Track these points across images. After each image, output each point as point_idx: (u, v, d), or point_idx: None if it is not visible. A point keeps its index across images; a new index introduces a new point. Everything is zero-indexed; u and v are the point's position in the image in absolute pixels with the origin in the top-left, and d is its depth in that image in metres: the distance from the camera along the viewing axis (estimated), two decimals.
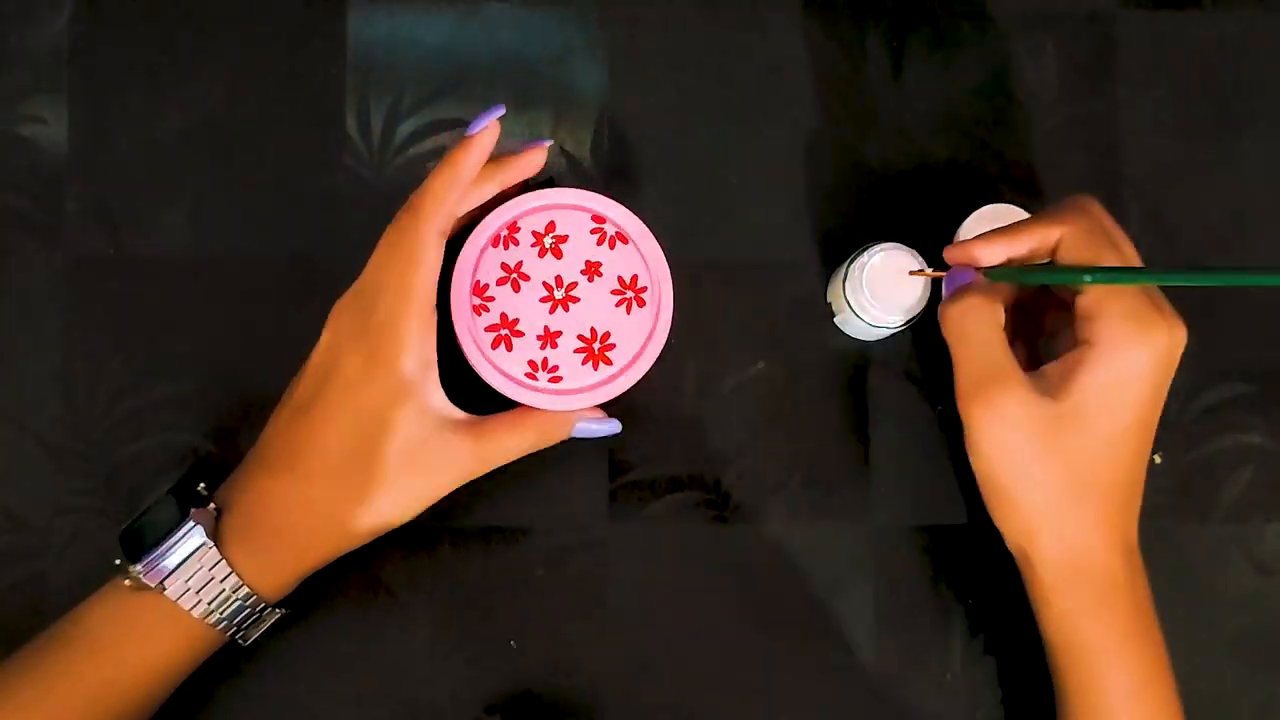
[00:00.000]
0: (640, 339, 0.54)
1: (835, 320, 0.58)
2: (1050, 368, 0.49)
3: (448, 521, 0.57)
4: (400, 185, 0.52)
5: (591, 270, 0.54)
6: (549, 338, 0.54)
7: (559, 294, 0.54)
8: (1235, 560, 0.58)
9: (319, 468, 0.50)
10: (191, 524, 0.49)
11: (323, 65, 0.59)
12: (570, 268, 0.54)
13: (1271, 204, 0.59)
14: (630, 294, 0.54)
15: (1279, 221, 0.59)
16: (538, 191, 0.54)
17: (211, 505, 0.51)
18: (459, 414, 0.52)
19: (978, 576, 0.58)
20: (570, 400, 0.53)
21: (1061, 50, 0.60)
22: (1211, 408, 0.58)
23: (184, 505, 0.50)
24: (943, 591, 0.57)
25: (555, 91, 0.59)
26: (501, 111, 0.51)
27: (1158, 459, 0.58)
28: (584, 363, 0.53)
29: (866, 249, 0.54)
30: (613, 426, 0.54)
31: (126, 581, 0.50)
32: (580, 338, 0.54)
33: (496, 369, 0.53)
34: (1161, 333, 0.47)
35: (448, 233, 0.51)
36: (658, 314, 0.54)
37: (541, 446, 0.53)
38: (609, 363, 0.54)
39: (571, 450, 0.55)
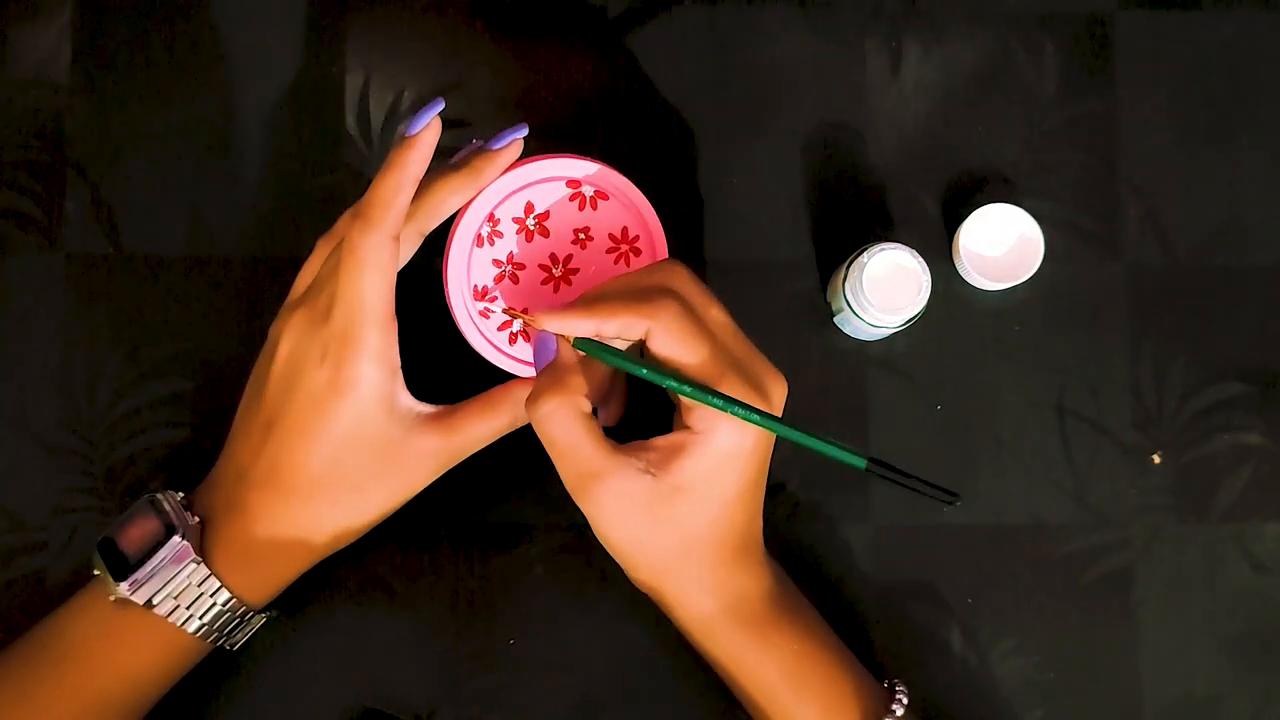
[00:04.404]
0: None
1: (835, 320, 0.58)
2: (659, 442, 0.49)
3: (448, 521, 0.57)
4: None
5: (582, 237, 0.54)
6: None
7: (558, 271, 0.54)
8: (1233, 560, 0.58)
9: (296, 484, 0.50)
10: (178, 541, 0.49)
11: (323, 65, 0.59)
12: (560, 241, 0.54)
13: (1269, 204, 0.59)
14: (625, 247, 0.54)
15: (1276, 221, 0.60)
16: (505, 176, 0.52)
17: (195, 519, 0.50)
18: (428, 409, 0.51)
19: (977, 576, 0.58)
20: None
21: (1061, 50, 0.60)
22: (1210, 408, 0.58)
23: (165, 517, 0.49)
24: (942, 591, 0.58)
25: (555, 91, 0.59)
26: (441, 106, 0.50)
27: (1157, 459, 0.58)
28: None
29: (866, 249, 0.54)
30: None
31: (111, 598, 0.49)
32: None
33: (524, 364, 0.53)
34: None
35: (399, 236, 0.49)
36: (654, 255, 0.53)
37: (518, 425, 0.52)
38: None
39: None
